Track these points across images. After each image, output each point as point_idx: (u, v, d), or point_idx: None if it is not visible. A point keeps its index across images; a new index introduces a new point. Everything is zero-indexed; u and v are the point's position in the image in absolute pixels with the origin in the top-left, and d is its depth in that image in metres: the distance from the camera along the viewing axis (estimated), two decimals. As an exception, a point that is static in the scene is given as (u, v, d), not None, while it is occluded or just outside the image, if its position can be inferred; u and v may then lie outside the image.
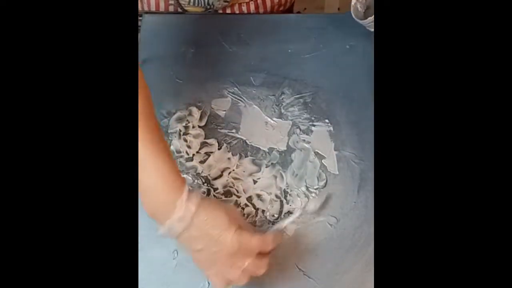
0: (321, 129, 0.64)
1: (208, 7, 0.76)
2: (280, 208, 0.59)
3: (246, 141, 0.64)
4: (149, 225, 0.58)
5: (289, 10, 0.88)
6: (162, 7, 0.77)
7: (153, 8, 0.77)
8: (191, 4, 0.75)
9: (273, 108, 0.66)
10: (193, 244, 0.47)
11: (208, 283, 0.55)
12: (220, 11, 0.79)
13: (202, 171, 0.62)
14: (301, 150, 0.63)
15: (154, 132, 0.47)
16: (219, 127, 0.65)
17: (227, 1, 0.76)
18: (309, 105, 0.66)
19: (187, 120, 0.65)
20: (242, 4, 0.79)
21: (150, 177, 0.45)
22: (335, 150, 0.63)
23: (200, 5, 0.76)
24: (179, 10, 0.77)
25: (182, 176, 0.48)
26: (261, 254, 0.48)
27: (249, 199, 0.60)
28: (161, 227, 0.47)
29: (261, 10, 0.80)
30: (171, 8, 0.77)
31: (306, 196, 0.60)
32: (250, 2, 0.80)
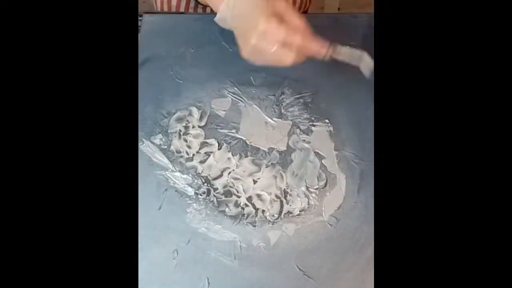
0: (321, 129, 0.64)
1: None
2: (280, 208, 0.59)
3: (246, 141, 0.64)
4: (149, 225, 0.58)
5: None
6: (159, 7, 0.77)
7: (173, 9, 0.77)
8: None
9: (273, 108, 0.66)
10: (241, 22, 0.51)
11: (208, 283, 0.55)
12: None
13: (202, 171, 0.62)
14: (301, 150, 0.63)
15: None
16: (219, 127, 0.65)
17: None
18: (309, 105, 0.66)
19: (187, 120, 0.65)
20: None
21: None
22: (335, 150, 0.63)
23: None
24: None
25: None
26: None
27: (249, 199, 0.60)
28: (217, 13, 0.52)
29: None
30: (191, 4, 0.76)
31: (306, 196, 0.60)
32: None
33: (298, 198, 0.60)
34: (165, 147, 0.63)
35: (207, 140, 0.64)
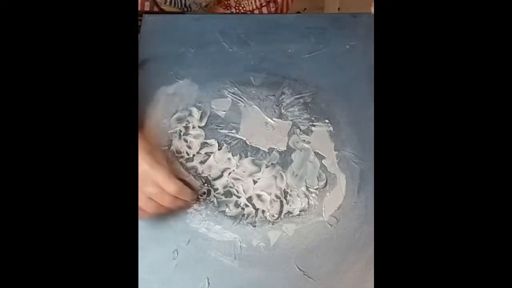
0: (321, 129, 0.64)
1: (185, 8, 0.76)
2: (280, 208, 0.59)
3: (246, 141, 0.64)
4: (149, 225, 0.58)
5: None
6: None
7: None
8: (167, 3, 0.75)
9: (273, 108, 0.66)
10: None
11: (208, 283, 0.55)
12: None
13: (202, 172, 0.62)
14: (301, 150, 0.63)
15: None
16: (219, 127, 0.65)
17: (205, 8, 0.77)
18: (309, 105, 0.66)
19: (187, 121, 0.65)
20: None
21: None
22: (335, 150, 0.63)
23: (176, 5, 0.76)
24: (155, 8, 0.77)
25: None
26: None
27: (249, 199, 0.60)
28: None
29: None
30: (146, 6, 0.77)
31: (306, 196, 0.60)
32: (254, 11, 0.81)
33: (298, 198, 0.60)
34: (165, 147, 0.63)
35: (207, 141, 0.64)
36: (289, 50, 0.70)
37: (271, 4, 0.83)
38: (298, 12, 1.36)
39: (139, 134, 0.55)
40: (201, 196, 0.60)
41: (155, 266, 0.56)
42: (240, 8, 0.81)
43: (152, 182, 0.54)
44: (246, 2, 0.80)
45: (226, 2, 0.80)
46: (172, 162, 0.62)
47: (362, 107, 0.65)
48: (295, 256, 0.56)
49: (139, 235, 0.56)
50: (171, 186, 0.55)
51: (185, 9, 0.76)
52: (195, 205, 0.59)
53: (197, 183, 0.61)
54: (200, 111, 0.66)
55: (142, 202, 0.54)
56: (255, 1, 0.81)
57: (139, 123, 0.58)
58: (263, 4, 0.82)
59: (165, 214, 0.57)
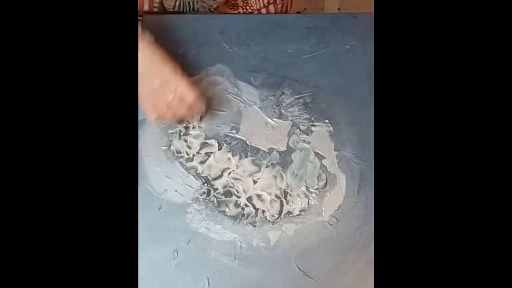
0: (321, 129, 0.64)
1: (193, 13, 0.76)
2: (280, 208, 0.59)
3: (246, 141, 0.64)
4: (149, 225, 0.58)
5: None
6: (146, 8, 0.77)
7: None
8: (176, 9, 0.76)
9: (273, 108, 0.66)
10: (141, 77, 0.56)
11: (208, 283, 0.55)
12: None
13: (202, 171, 0.62)
14: (301, 150, 0.63)
15: None
16: (219, 127, 0.65)
17: (215, 10, 0.77)
18: (309, 105, 0.66)
19: (187, 121, 0.65)
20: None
21: None
22: (335, 150, 0.63)
23: (185, 9, 0.76)
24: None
25: None
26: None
27: (249, 199, 0.60)
28: None
29: None
30: (155, 11, 0.77)
31: (306, 196, 0.60)
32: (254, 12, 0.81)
33: (298, 198, 0.60)
34: (165, 147, 0.63)
35: (207, 141, 0.64)
36: (289, 50, 0.70)
37: (278, 1, 0.83)
38: (298, 12, 1.36)
39: (158, 45, 0.59)
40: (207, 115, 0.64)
41: (155, 266, 0.56)
42: (248, 7, 0.81)
43: (173, 88, 0.58)
44: (253, 0, 0.80)
45: (233, 2, 0.80)
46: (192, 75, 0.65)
47: (362, 107, 0.65)
48: (295, 256, 0.56)
49: (139, 235, 0.56)
50: (189, 94, 0.59)
51: (193, 13, 0.76)
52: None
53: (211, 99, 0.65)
54: (200, 111, 0.65)
55: (160, 107, 0.59)
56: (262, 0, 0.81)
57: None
58: (270, 2, 0.82)
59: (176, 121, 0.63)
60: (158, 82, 0.58)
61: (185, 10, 0.76)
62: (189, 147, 0.63)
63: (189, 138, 0.64)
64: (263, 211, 0.59)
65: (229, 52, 0.70)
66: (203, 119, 0.64)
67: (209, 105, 0.64)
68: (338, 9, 1.53)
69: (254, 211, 0.59)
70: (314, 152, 0.63)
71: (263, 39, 0.71)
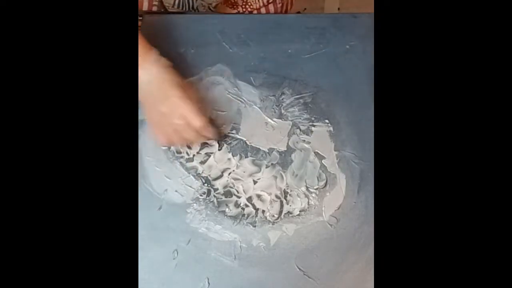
0: (321, 129, 0.64)
1: (192, 11, 0.76)
2: (280, 208, 0.59)
3: (246, 141, 0.64)
4: (149, 225, 0.58)
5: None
6: (145, 7, 0.77)
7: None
8: (175, 7, 0.76)
9: (273, 108, 0.66)
10: (148, 97, 0.57)
11: (208, 283, 0.55)
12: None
13: (202, 172, 0.62)
14: (301, 151, 0.63)
15: None
16: (218, 127, 0.65)
17: (214, 9, 0.77)
18: (309, 105, 0.66)
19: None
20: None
21: None
22: (335, 150, 0.63)
23: (184, 8, 0.76)
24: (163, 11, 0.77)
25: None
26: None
27: (249, 199, 0.60)
28: None
29: None
30: (154, 9, 0.77)
31: (306, 196, 0.60)
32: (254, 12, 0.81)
33: (298, 198, 0.60)
34: (165, 147, 0.63)
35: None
36: (289, 50, 0.70)
37: (278, 1, 0.83)
38: (298, 12, 1.36)
39: (172, 70, 0.58)
40: (222, 140, 0.63)
41: (155, 266, 0.56)
42: (247, 6, 0.81)
43: (180, 114, 0.57)
44: (253, 0, 0.80)
45: (232, 1, 0.80)
46: (203, 100, 0.64)
47: (362, 107, 0.65)
48: (295, 256, 0.56)
49: (139, 235, 0.56)
50: (196, 122, 0.57)
51: (192, 12, 0.76)
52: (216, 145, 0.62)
53: (223, 122, 0.63)
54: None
55: (168, 132, 0.58)
56: None
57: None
58: (270, 1, 0.82)
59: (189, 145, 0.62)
60: (164, 108, 0.57)
61: (184, 8, 0.76)
62: (189, 147, 0.63)
63: (189, 138, 0.64)
64: (263, 211, 0.59)
65: (229, 52, 0.70)
66: (220, 142, 0.63)
67: (222, 130, 0.64)
68: (338, 9, 1.53)
69: (254, 211, 0.59)
70: (314, 152, 0.63)
71: (263, 39, 0.71)
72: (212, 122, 0.61)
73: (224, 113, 0.65)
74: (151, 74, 0.57)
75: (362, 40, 0.70)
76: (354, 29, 0.70)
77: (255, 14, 0.81)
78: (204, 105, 0.62)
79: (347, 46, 0.70)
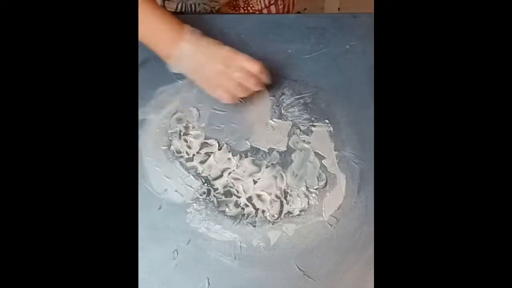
0: (321, 129, 0.64)
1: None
2: (280, 208, 0.59)
3: (247, 141, 0.64)
4: (149, 225, 0.58)
5: None
6: None
7: None
8: (178, 10, 0.76)
9: (273, 108, 0.66)
10: (199, 64, 0.60)
11: (208, 283, 0.55)
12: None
13: (202, 171, 0.62)
14: (301, 151, 0.63)
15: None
16: (219, 127, 0.65)
17: (217, 12, 0.77)
18: (309, 105, 0.66)
19: (187, 121, 0.65)
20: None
21: (153, 24, 0.59)
22: (335, 150, 0.63)
23: (186, 11, 0.76)
24: None
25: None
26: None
27: (249, 199, 0.60)
28: (170, 63, 0.61)
29: None
30: None
31: (306, 196, 0.60)
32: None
33: (298, 198, 0.60)
34: (165, 147, 0.63)
35: (207, 141, 0.64)
36: (289, 50, 0.70)
37: (279, 2, 0.83)
38: (298, 12, 1.36)
39: (208, 37, 0.61)
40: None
41: (155, 266, 0.56)
42: (249, 8, 0.81)
43: (238, 66, 0.60)
44: (255, 1, 0.81)
45: (234, 3, 0.80)
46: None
47: (362, 107, 0.65)
48: (295, 256, 0.56)
49: (139, 235, 0.56)
50: (255, 66, 0.60)
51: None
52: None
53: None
54: (200, 111, 0.66)
55: (231, 87, 0.60)
56: (263, 0, 0.81)
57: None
58: (272, 2, 0.83)
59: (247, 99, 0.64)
60: (220, 66, 0.59)
61: (186, 12, 0.76)
62: (189, 147, 0.63)
63: (189, 138, 0.64)
64: (263, 211, 0.59)
65: (229, 52, 0.70)
66: (273, 85, 0.65)
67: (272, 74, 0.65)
68: (338, 9, 1.53)
69: (254, 211, 0.59)
70: (314, 152, 0.63)
71: (263, 39, 0.71)
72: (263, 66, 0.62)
73: (224, 112, 0.65)
74: (194, 44, 0.59)
75: (362, 40, 0.70)
76: (354, 29, 0.70)
77: (255, 14, 0.81)
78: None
79: (347, 46, 0.71)
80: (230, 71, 0.59)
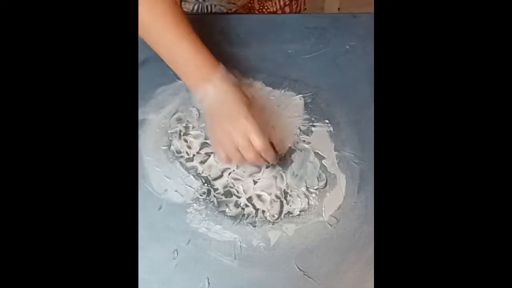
0: (321, 129, 0.64)
1: None
2: (280, 209, 0.59)
3: (246, 141, 0.64)
4: (149, 225, 0.58)
5: None
6: None
7: None
8: (194, 11, 0.76)
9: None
10: (214, 113, 0.58)
11: (208, 283, 0.55)
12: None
13: (202, 171, 0.62)
14: (301, 151, 0.63)
15: (184, 21, 0.58)
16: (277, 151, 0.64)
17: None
18: (309, 105, 0.66)
19: (187, 121, 0.65)
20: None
21: (189, 52, 0.58)
22: (335, 150, 0.63)
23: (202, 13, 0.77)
24: None
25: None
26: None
27: (249, 199, 0.60)
28: (196, 94, 0.59)
29: None
30: None
31: (306, 196, 0.60)
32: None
33: (298, 199, 0.60)
34: (165, 147, 0.63)
35: (208, 141, 0.64)
36: (289, 50, 0.70)
37: (293, 2, 0.83)
38: (298, 12, 1.36)
39: (239, 88, 0.59)
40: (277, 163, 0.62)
41: (155, 266, 0.56)
42: (264, 10, 0.81)
43: (243, 134, 0.56)
44: (270, 3, 0.81)
45: (249, 5, 0.80)
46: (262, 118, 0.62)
47: (362, 107, 0.65)
48: (295, 256, 0.56)
49: (139, 235, 0.56)
50: (258, 143, 0.56)
51: None
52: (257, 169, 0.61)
53: (278, 147, 0.62)
54: (200, 111, 0.66)
55: (229, 150, 0.57)
56: (278, 2, 0.81)
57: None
58: (286, 3, 0.83)
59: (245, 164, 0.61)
60: (229, 126, 0.56)
61: (203, 13, 0.76)
62: (189, 147, 0.63)
63: (189, 138, 0.64)
64: (263, 211, 0.59)
65: (229, 53, 0.70)
66: (280, 162, 0.62)
67: (279, 153, 0.62)
68: (338, 9, 1.53)
69: (254, 211, 0.59)
70: (314, 153, 0.63)
71: (263, 39, 0.71)
72: (272, 145, 0.59)
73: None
74: (220, 91, 0.57)
75: (362, 40, 0.70)
76: (354, 29, 0.70)
77: (255, 14, 0.81)
78: (263, 125, 0.60)
79: (347, 46, 0.71)
80: (235, 135, 0.56)
